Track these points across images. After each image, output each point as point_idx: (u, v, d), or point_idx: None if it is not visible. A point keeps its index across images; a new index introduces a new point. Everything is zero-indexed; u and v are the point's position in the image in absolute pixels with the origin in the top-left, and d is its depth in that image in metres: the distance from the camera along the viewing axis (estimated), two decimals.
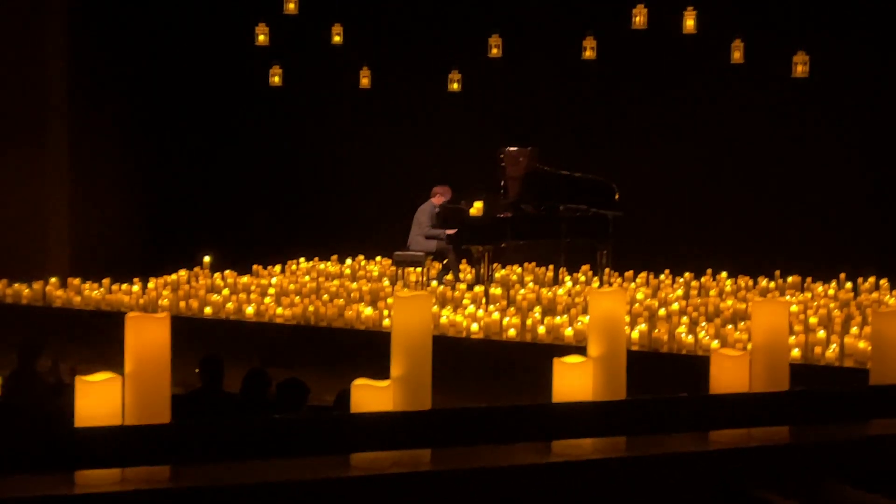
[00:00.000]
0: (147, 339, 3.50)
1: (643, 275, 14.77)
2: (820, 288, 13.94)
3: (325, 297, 13.15)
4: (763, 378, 3.98)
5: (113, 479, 3.33)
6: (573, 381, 3.78)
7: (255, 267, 15.53)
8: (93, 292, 13.55)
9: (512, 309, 12.25)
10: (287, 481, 3.43)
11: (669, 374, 10.00)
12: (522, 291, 13.28)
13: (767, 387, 3.97)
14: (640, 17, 13.51)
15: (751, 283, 14.34)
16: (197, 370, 7.31)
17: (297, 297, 13.19)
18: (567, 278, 14.60)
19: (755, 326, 4.08)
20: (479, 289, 13.25)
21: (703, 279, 14.60)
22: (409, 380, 3.72)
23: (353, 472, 3.52)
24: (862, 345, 10.06)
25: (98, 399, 3.40)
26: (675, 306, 12.43)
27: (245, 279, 14.79)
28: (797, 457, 3.88)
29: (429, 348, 3.78)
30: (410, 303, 3.78)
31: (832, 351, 10.15)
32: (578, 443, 3.72)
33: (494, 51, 14.59)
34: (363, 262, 16.38)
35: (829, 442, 3.89)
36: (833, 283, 14.04)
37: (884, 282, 14.05)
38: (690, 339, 10.64)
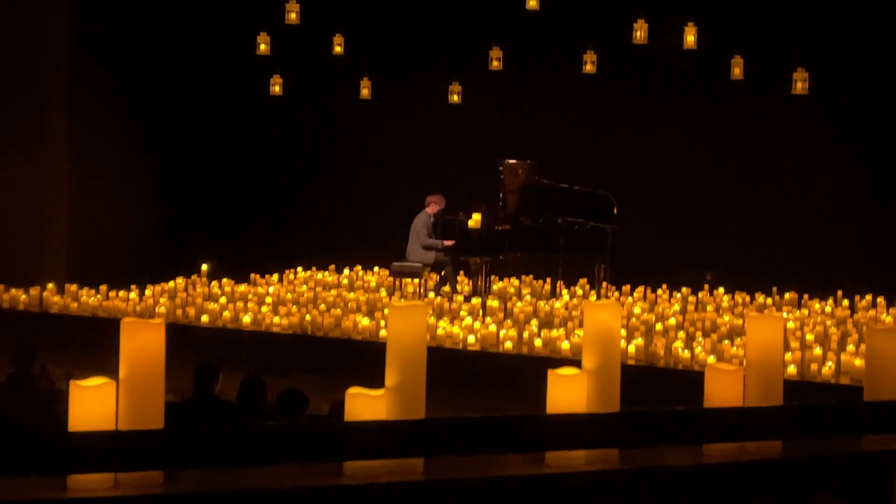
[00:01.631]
0: (142, 344, 3.51)
1: (640, 289, 14.78)
2: (817, 305, 13.95)
3: (323, 306, 13.15)
4: (757, 392, 3.98)
5: (106, 484, 3.33)
6: (567, 392, 3.79)
7: (252, 276, 15.53)
8: (90, 299, 13.54)
9: (509, 321, 12.25)
10: (279, 489, 3.43)
11: (665, 388, 10.00)
12: (519, 304, 13.29)
13: (761, 401, 3.97)
14: (640, 32, 13.53)
15: (748, 299, 14.34)
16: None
17: (295, 307, 13.19)
18: (564, 291, 14.61)
19: (750, 341, 4.08)
20: (476, 301, 13.25)
21: (700, 294, 14.61)
22: (404, 389, 3.73)
23: (345, 481, 3.53)
24: (858, 362, 10.06)
25: (92, 404, 3.41)
26: (672, 321, 12.43)
27: (242, 288, 14.78)
28: (790, 471, 3.88)
29: (423, 358, 3.79)
30: (406, 312, 3.78)
31: (828, 368, 10.15)
32: (572, 454, 3.72)
33: (495, 63, 14.61)
34: (361, 273, 16.39)
35: (822, 457, 3.89)
36: (830, 301, 14.05)
37: (881, 299, 14.05)
38: (687, 354, 10.64)
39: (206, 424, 4.30)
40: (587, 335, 3.98)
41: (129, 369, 3.48)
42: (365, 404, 3.66)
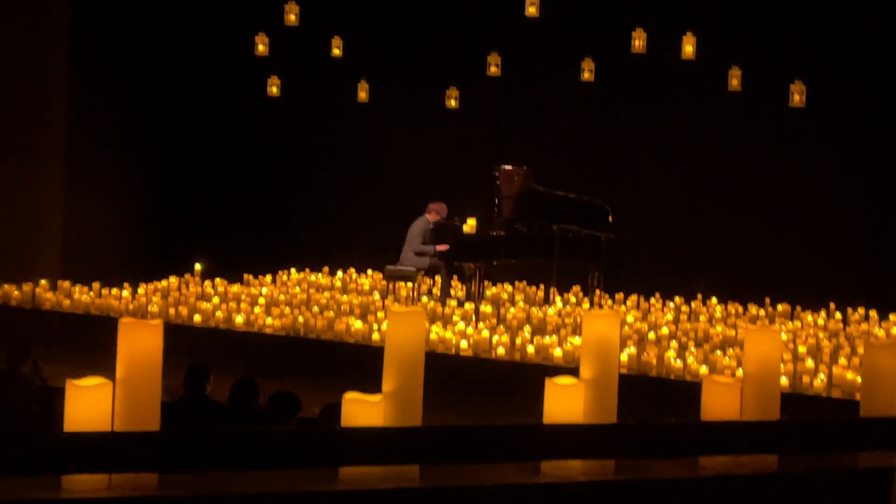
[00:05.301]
0: (139, 345, 3.49)
1: (633, 297, 14.78)
2: (809, 317, 13.95)
3: (315, 308, 13.12)
4: (754, 406, 3.98)
5: (100, 486, 3.32)
6: (564, 402, 3.78)
7: (245, 276, 15.49)
8: (83, 296, 13.50)
9: (502, 327, 12.24)
10: (274, 493, 3.42)
11: (657, 397, 10.00)
12: (513, 310, 13.28)
13: (758, 415, 3.97)
14: (639, 41, 13.53)
15: (741, 309, 14.35)
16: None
17: (287, 308, 13.17)
18: (558, 298, 14.60)
19: (747, 354, 4.08)
20: (469, 306, 13.23)
21: (693, 304, 14.61)
22: (401, 395, 3.72)
23: (340, 486, 3.51)
24: (850, 375, 10.07)
25: (88, 404, 3.39)
26: (665, 330, 12.43)
27: (235, 288, 14.75)
28: (785, 485, 3.88)
29: (421, 365, 3.78)
30: (404, 319, 3.77)
31: (820, 381, 10.15)
32: (568, 464, 3.72)
33: (493, 69, 14.60)
34: (354, 275, 16.37)
35: (819, 472, 3.89)
36: (823, 313, 14.06)
37: (873, 313, 14.06)
38: (679, 363, 10.64)
39: (203, 427, 4.28)
40: (585, 345, 3.97)
41: (126, 370, 3.47)
42: (362, 410, 3.65)
